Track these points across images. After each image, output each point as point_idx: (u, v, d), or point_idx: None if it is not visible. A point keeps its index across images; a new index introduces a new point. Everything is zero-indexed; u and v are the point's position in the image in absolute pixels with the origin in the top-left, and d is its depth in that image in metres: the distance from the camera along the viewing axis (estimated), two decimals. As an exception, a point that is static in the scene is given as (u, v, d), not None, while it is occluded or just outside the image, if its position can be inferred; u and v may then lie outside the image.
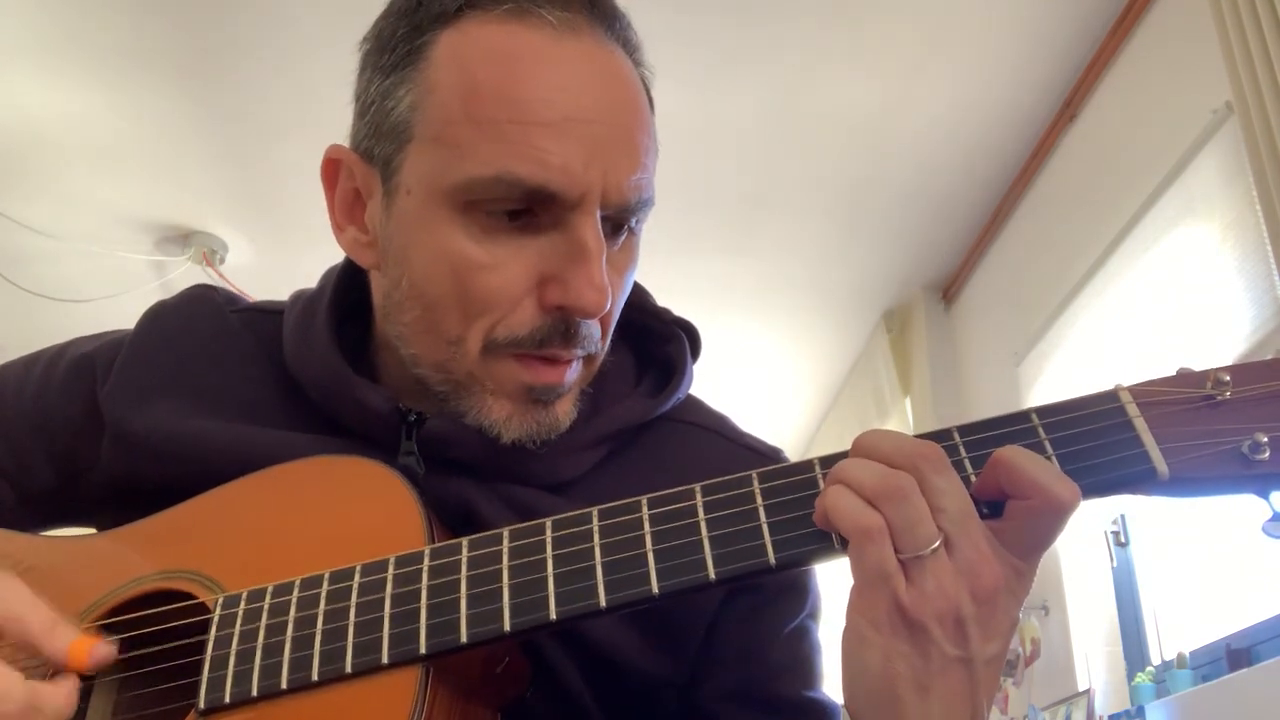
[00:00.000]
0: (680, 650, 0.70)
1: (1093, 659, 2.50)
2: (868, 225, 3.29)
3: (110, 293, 3.50)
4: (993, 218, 3.22)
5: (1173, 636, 2.31)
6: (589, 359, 0.70)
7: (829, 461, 0.55)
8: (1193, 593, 2.28)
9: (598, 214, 0.63)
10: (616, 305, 0.69)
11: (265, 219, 3.31)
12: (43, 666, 0.60)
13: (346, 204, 0.71)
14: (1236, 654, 1.98)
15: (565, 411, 0.69)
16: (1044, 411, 0.54)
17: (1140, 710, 2.11)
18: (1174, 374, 0.54)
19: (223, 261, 3.44)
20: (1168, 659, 2.25)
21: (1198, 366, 0.55)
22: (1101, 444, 0.52)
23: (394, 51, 0.66)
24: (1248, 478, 0.50)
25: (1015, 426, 0.54)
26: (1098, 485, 0.52)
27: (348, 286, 0.77)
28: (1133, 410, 0.52)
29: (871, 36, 2.57)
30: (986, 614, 0.50)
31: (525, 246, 0.63)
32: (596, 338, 0.68)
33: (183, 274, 3.41)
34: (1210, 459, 0.50)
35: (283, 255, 3.45)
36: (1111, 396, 0.54)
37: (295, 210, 3.23)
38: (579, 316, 0.65)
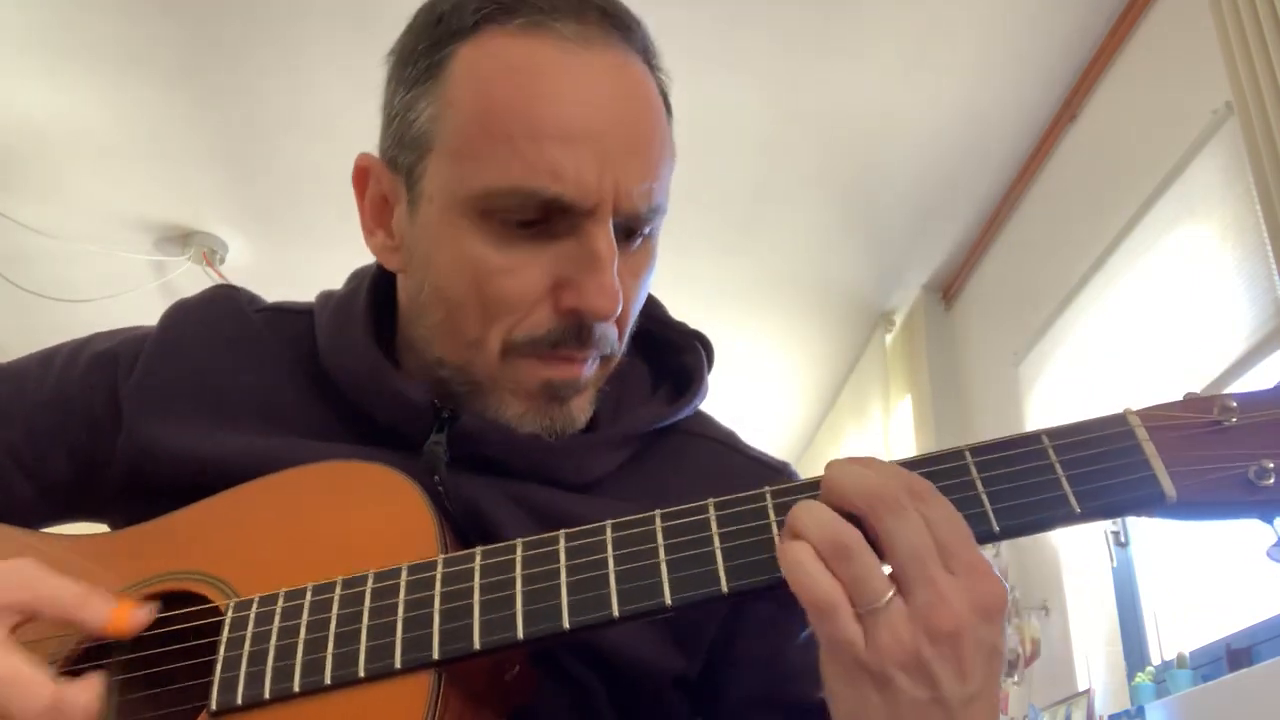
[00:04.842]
0: (693, 644, 0.72)
1: (1093, 659, 2.51)
2: (867, 225, 3.29)
3: (110, 293, 3.50)
4: (993, 218, 3.23)
5: (1173, 636, 2.31)
6: (606, 359, 0.72)
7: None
8: (1193, 593, 2.28)
9: (610, 222, 0.66)
10: (634, 306, 0.72)
11: (265, 219, 3.31)
12: (73, 645, 0.62)
13: (375, 209, 0.73)
14: (1236, 654, 1.98)
15: (581, 408, 0.71)
16: (1054, 433, 0.55)
17: (1140, 710, 2.11)
18: (1181, 399, 0.55)
19: (223, 261, 3.44)
20: (1168, 659, 2.25)
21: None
22: (1111, 465, 0.53)
23: (415, 65, 0.69)
24: (1252, 503, 0.51)
25: (1026, 448, 0.54)
26: (1107, 506, 0.52)
27: (381, 288, 0.79)
28: (1141, 434, 0.53)
29: (871, 36, 2.57)
30: (950, 653, 0.49)
31: (541, 252, 0.66)
32: (613, 339, 0.70)
33: (183, 274, 3.41)
34: (1216, 483, 0.51)
35: (283, 255, 3.45)
36: (1120, 420, 0.54)
37: (295, 210, 3.24)
38: (592, 320, 0.67)
